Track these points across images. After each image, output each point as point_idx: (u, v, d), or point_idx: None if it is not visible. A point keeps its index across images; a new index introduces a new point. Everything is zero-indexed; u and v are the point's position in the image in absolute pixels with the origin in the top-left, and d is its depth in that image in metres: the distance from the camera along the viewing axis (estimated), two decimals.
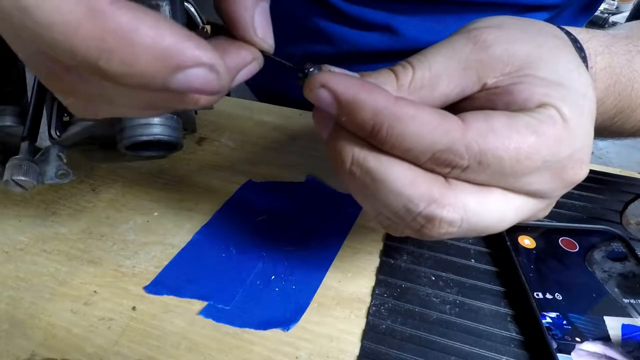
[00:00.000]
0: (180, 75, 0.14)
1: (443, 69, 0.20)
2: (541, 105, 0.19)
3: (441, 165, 0.18)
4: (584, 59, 0.24)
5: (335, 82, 0.17)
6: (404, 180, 0.18)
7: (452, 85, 0.20)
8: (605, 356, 0.24)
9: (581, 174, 0.20)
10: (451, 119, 0.18)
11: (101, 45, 0.12)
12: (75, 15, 0.12)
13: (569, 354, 0.24)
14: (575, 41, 0.23)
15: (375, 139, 0.18)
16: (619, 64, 0.26)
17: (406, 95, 0.19)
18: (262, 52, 0.18)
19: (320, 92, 0.18)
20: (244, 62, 0.18)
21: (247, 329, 0.27)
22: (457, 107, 0.21)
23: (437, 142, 0.17)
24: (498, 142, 0.17)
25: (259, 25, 0.18)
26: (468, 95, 0.20)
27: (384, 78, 0.19)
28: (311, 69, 0.19)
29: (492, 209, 0.19)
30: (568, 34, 0.23)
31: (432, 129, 0.17)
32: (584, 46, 0.24)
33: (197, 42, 0.14)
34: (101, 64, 0.13)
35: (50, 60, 0.15)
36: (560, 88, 0.19)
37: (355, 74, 0.19)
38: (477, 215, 0.19)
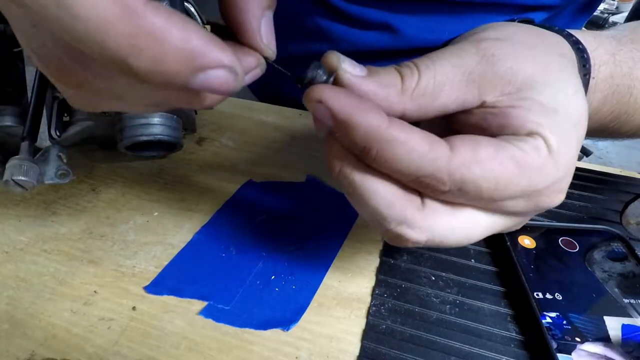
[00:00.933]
0: (201, 76, 0.14)
1: (448, 78, 0.20)
2: (531, 134, 0.19)
3: (423, 187, 0.19)
4: (588, 70, 0.24)
5: (331, 99, 0.18)
6: (382, 201, 0.19)
7: (453, 97, 0.20)
8: (606, 357, 0.24)
9: (556, 202, 0.21)
10: (439, 146, 0.18)
11: (133, 42, 0.13)
12: (111, 13, 0.12)
13: (569, 354, 0.24)
14: (582, 51, 0.24)
15: (365, 157, 0.19)
16: (620, 73, 0.26)
17: (408, 101, 0.20)
18: (265, 58, 0.19)
19: (317, 105, 0.18)
20: (250, 67, 0.19)
21: (247, 329, 0.27)
22: (453, 116, 0.21)
23: (423, 168, 0.18)
24: (480, 172, 0.18)
25: (264, 33, 0.18)
26: (468, 110, 0.21)
27: (390, 80, 0.20)
28: (317, 70, 0.19)
29: (459, 231, 0.20)
30: (576, 43, 0.24)
31: (420, 155, 0.18)
32: (591, 56, 0.24)
33: (220, 45, 0.14)
34: (130, 60, 0.13)
35: (66, 53, 0.15)
36: (555, 115, 0.20)
37: (364, 68, 0.19)
38: (443, 237, 0.20)
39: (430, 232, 0.20)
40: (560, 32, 0.24)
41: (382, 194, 0.19)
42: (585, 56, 0.24)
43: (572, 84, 0.21)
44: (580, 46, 0.24)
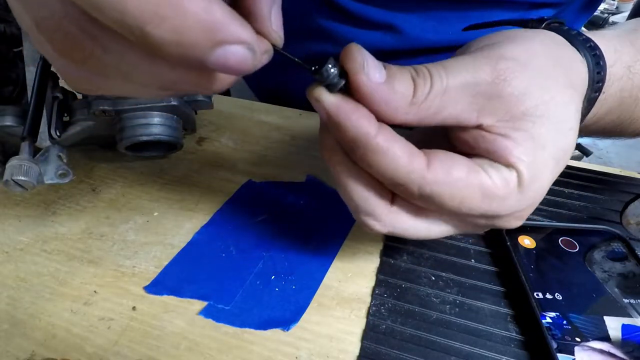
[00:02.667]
0: (219, 51, 0.14)
1: (455, 97, 0.20)
2: (508, 166, 0.21)
3: (396, 189, 0.21)
4: (599, 88, 0.24)
5: (329, 103, 0.19)
6: (357, 196, 0.22)
7: (454, 114, 0.21)
8: (609, 353, 0.24)
9: (512, 225, 0.23)
10: (417, 160, 0.20)
11: (155, 10, 0.13)
12: None
13: (569, 354, 0.24)
14: (600, 67, 0.24)
15: (350, 154, 0.21)
16: (631, 85, 0.26)
17: (413, 113, 0.20)
18: (273, 46, 0.19)
19: (315, 102, 0.20)
20: (259, 53, 0.18)
21: (247, 329, 0.27)
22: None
23: (398, 177, 0.20)
24: (447, 192, 0.20)
25: (274, 19, 0.18)
26: (464, 128, 0.22)
27: (404, 88, 0.20)
28: (331, 70, 0.19)
29: (419, 231, 0.23)
30: (597, 61, 0.24)
31: (398, 167, 0.20)
32: (608, 71, 0.24)
33: (241, 21, 0.14)
34: (149, 29, 0.13)
35: (77, 23, 0.14)
36: (541, 152, 0.21)
37: (383, 73, 0.20)
38: (403, 232, 0.23)
39: (391, 227, 0.23)
40: (585, 44, 0.24)
41: (359, 189, 0.22)
42: (602, 73, 0.24)
43: (571, 119, 0.22)
44: (602, 62, 0.24)
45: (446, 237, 0.32)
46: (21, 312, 0.27)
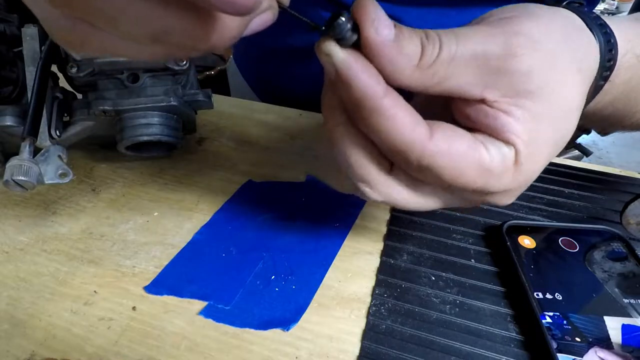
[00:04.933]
0: None
1: (462, 66, 0.20)
2: (507, 142, 0.21)
3: (394, 157, 0.21)
4: (607, 77, 0.24)
5: (338, 59, 0.18)
6: (354, 161, 0.22)
7: (459, 84, 0.20)
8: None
9: (504, 203, 0.24)
10: (420, 130, 0.20)
11: None
12: None
13: (569, 354, 0.24)
14: (611, 54, 0.24)
15: (354, 114, 0.20)
16: (639, 74, 0.26)
17: (417, 77, 0.20)
18: (279, 4, 0.18)
19: (325, 58, 0.19)
20: (263, 8, 0.18)
21: (247, 329, 0.27)
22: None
23: (398, 145, 0.20)
24: (446, 164, 0.20)
25: None
26: (468, 100, 0.21)
27: (411, 50, 0.19)
28: (344, 24, 0.18)
29: (412, 203, 0.23)
30: (610, 47, 0.23)
31: (400, 134, 0.19)
32: (619, 60, 0.24)
33: None
34: None
35: None
36: (541, 131, 0.21)
37: (392, 30, 0.19)
38: (397, 202, 0.23)
39: (386, 197, 0.23)
40: (601, 30, 0.23)
41: (357, 155, 0.21)
42: (613, 62, 0.24)
43: (575, 104, 0.22)
44: (614, 51, 0.24)
45: (446, 237, 0.32)
46: (21, 312, 0.27)
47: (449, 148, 0.20)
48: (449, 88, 0.20)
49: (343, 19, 0.18)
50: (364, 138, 0.21)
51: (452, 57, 0.20)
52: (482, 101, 0.21)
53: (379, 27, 0.18)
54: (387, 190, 0.23)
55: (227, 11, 0.14)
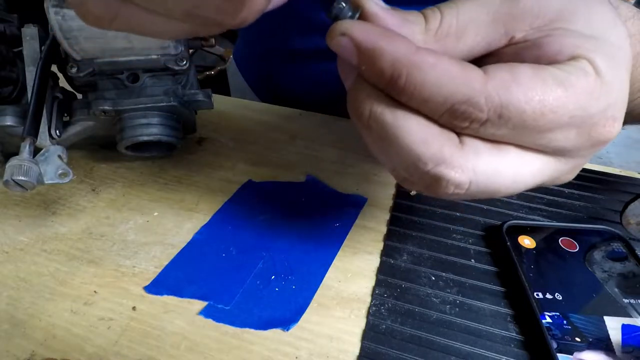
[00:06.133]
0: None
1: (471, 18, 0.19)
2: (573, 58, 0.18)
3: (459, 118, 0.17)
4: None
5: (356, 30, 0.17)
6: (416, 138, 0.18)
7: (478, 38, 0.19)
8: None
9: (613, 132, 0.19)
10: (472, 70, 0.17)
11: None
12: None
13: (569, 354, 0.24)
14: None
15: (394, 89, 0.17)
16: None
17: (432, 42, 0.19)
18: None
19: (342, 40, 0.17)
20: None
21: (247, 329, 0.27)
22: (482, 62, 0.19)
23: (456, 92, 0.16)
24: (521, 93, 0.17)
25: None
26: (494, 50, 0.19)
27: (413, 18, 0.19)
28: (342, 5, 0.18)
29: (505, 172, 0.18)
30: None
31: (452, 78, 0.16)
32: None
33: None
34: None
35: None
36: (594, 40, 0.18)
37: (389, 8, 0.19)
38: (488, 177, 0.18)
39: (472, 173, 0.18)
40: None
41: (415, 130, 0.18)
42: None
43: (608, 12, 0.19)
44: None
45: (446, 237, 0.32)
46: (21, 312, 0.27)
47: (514, 76, 0.17)
48: (468, 47, 0.19)
49: (343, 4, 0.18)
50: (416, 113, 0.18)
51: (457, 13, 0.19)
52: (513, 42, 0.19)
53: (377, 2, 0.18)
54: (469, 161, 0.18)
55: None
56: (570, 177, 0.21)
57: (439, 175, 0.18)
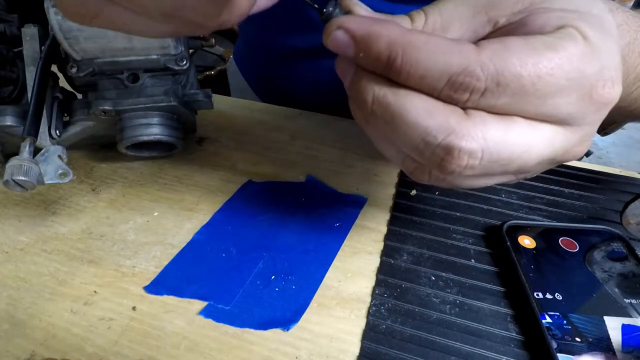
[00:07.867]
0: None
1: (453, 14, 0.20)
2: (559, 28, 0.18)
3: (459, 90, 0.17)
4: None
5: (350, 21, 0.19)
6: (421, 111, 0.18)
7: (463, 29, 0.20)
8: None
9: (613, 93, 0.19)
10: (464, 43, 0.18)
11: None
12: None
13: (569, 354, 0.24)
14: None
15: (392, 70, 0.18)
16: (635, 24, 0.24)
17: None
18: None
19: (337, 33, 0.18)
20: None
21: (247, 329, 0.27)
22: None
23: (451, 64, 0.17)
24: (515, 59, 0.17)
25: None
26: (482, 37, 0.20)
27: (400, 19, 0.21)
28: (334, 8, 0.20)
29: (515, 138, 0.18)
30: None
31: (446, 51, 0.17)
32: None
33: None
34: None
35: None
36: (578, 13, 0.19)
37: (376, 12, 0.21)
38: (499, 144, 0.18)
39: (483, 140, 0.18)
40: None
41: (419, 104, 0.18)
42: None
43: (609, 24, 0.19)
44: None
45: (446, 237, 0.32)
46: (21, 312, 0.27)
47: (505, 45, 0.17)
48: (457, 38, 0.20)
49: (334, 7, 0.20)
50: (418, 91, 0.18)
51: (439, 11, 0.20)
52: (498, 27, 0.20)
53: (365, 7, 0.21)
54: (478, 129, 0.18)
55: None
56: (582, 149, 0.21)
57: (450, 145, 0.18)
